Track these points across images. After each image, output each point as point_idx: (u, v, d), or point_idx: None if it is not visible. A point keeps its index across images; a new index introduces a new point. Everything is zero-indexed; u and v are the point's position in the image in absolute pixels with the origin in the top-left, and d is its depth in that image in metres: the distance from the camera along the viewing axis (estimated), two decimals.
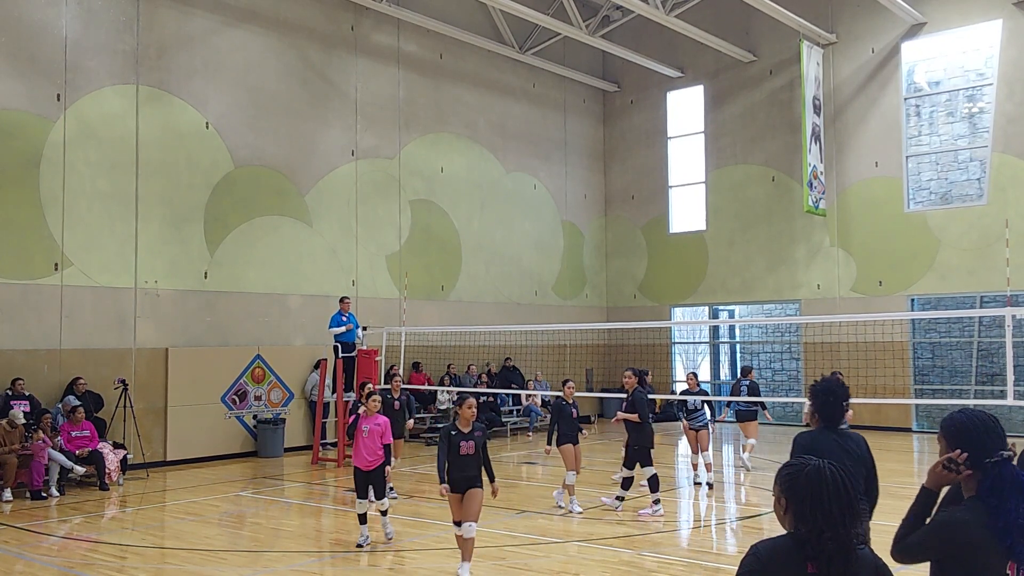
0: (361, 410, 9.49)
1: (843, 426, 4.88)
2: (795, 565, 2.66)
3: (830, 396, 4.83)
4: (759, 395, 14.60)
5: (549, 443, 11.26)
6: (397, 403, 12.47)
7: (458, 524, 7.75)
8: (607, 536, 9.60)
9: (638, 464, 10.71)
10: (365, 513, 9.21)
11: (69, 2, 14.33)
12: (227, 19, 16.46)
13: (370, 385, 11.13)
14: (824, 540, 2.64)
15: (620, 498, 10.83)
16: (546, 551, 8.88)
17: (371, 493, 9.27)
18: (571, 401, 11.15)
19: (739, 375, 15.35)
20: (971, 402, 17.95)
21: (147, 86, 15.21)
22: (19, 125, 13.73)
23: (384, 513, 9.42)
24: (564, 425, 10.98)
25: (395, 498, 11.66)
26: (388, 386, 12.11)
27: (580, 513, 10.70)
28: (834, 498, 2.68)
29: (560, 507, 10.98)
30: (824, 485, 2.70)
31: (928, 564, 3.23)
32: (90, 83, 14.51)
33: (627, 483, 10.84)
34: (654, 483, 10.58)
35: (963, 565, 3.03)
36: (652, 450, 10.78)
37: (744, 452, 14.40)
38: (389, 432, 9.33)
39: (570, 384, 11.37)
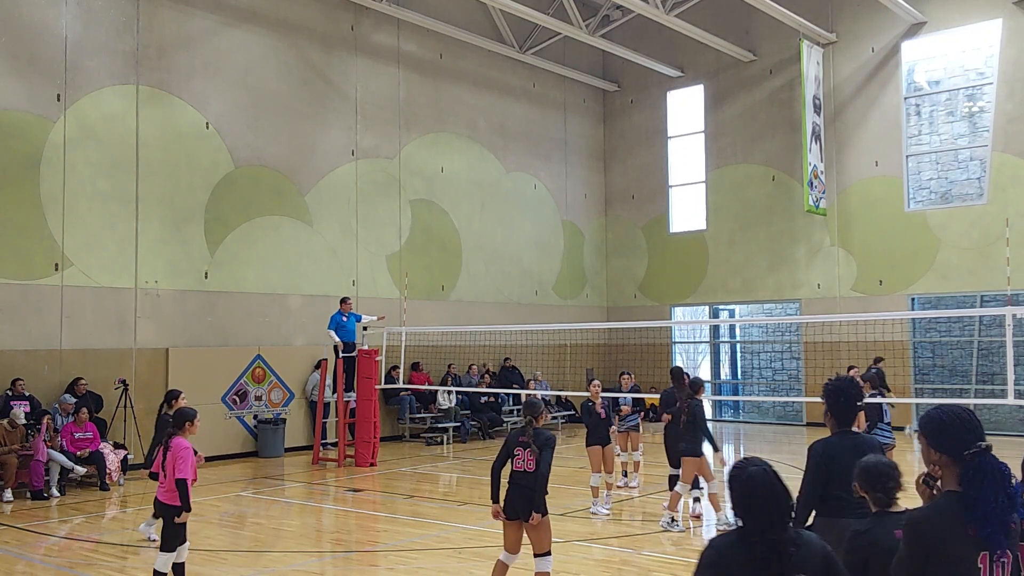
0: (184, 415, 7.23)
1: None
2: (744, 557, 2.91)
3: (841, 396, 4.81)
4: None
5: (590, 444, 10.84)
6: (603, 412, 11.07)
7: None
8: (607, 536, 9.60)
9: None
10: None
11: (69, 2, 14.33)
12: (227, 19, 16.45)
13: (185, 396, 9.21)
14: (753, 543, 2.90)
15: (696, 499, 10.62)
16: None
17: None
18: (597, 401, 11.01)
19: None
20: (971, 401, 17.98)
21: (147, 86, 15.21)
22: (19, 125, 13.73)
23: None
24: (593, 426, 10.81)
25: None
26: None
27: (607, 515, 10.58)
28: (763, 503, 2.94)
29: (603, 513, 10.68)
30: (755, 491, 2.95)
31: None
32: (90, 83, 14.51)
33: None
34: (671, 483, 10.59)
35: (932, 561, 3.05)
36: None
37: None
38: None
39: (595, 383, 11.21)
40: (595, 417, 10.87)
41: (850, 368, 15.63)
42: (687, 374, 11.37)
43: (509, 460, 6.61)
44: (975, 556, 3.00)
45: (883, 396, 16.42)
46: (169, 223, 15.38)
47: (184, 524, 6.97)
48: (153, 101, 15.28)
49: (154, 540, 9.16)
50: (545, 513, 6.43)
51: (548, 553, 6.52)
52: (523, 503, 6.41)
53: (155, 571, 6.95)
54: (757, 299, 22.33)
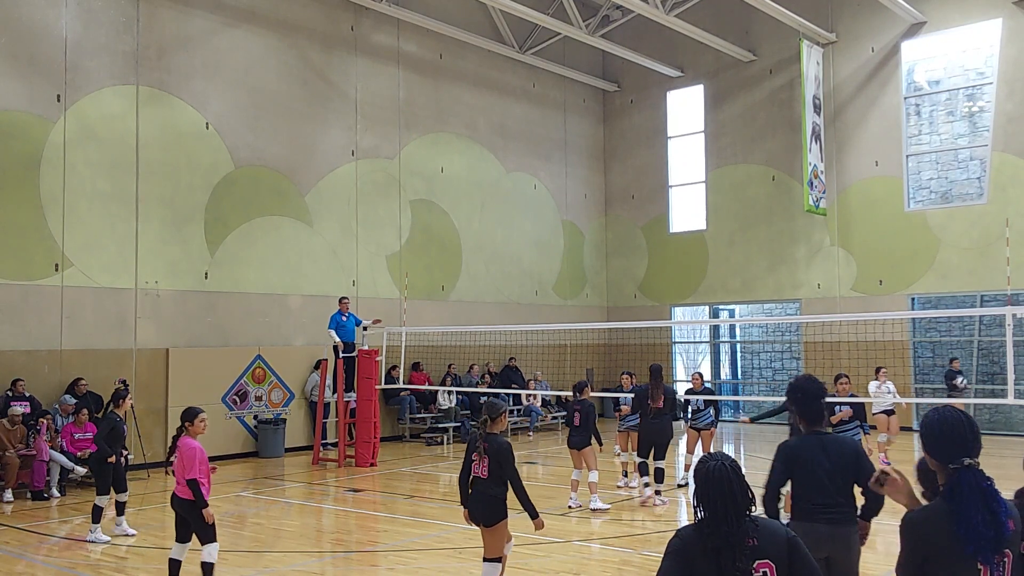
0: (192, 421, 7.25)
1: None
2: (703, 546, 3.06)
3: (799, 392, 4.79)
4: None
5: (600, 442, 11.19)
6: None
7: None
8: (607, 536, 9.60)
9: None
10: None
11: (69, 2, 14.33)
12: (227, 19, 16.45)
13: (131, 398, 9.45)
14: (707, 534, 3.03)
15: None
16: (546, 551, 8.87)
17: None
18: (591, 402, 11.41)
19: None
20: (971, 401, 17.97)
21: (147, 86, 15.21)
22: (19, 125, 13.73)
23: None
24: (590, 426, 11.13)
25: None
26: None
27: (608, 508, 10.77)
28: (716, 497, 3.06)
29: (579, 506, 11.02)
30: (710, 485, 3.08)
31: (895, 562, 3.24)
32: (90, 83, 14.51)
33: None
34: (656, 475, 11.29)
35: (934, 561, 3.04)
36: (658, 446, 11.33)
37: None
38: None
39: (588, 387, 11.61)
40: (592, 417, 11.11)
41: (878, 369, 15.34)
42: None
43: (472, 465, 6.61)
44: (974, 560, 2.99)
45: (954, 395, 16.47)
46: (169, 223, 15.38)
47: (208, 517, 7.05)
48: (153, 101, 15.27)
49: (132, 534, 9.71)
50: (535, 516, 6.51)
51: (496, 560, 6.46)
52: (480, 509, 6.44)
53: (204, 563, 7.02)
54: (757, 299, 22.32)
